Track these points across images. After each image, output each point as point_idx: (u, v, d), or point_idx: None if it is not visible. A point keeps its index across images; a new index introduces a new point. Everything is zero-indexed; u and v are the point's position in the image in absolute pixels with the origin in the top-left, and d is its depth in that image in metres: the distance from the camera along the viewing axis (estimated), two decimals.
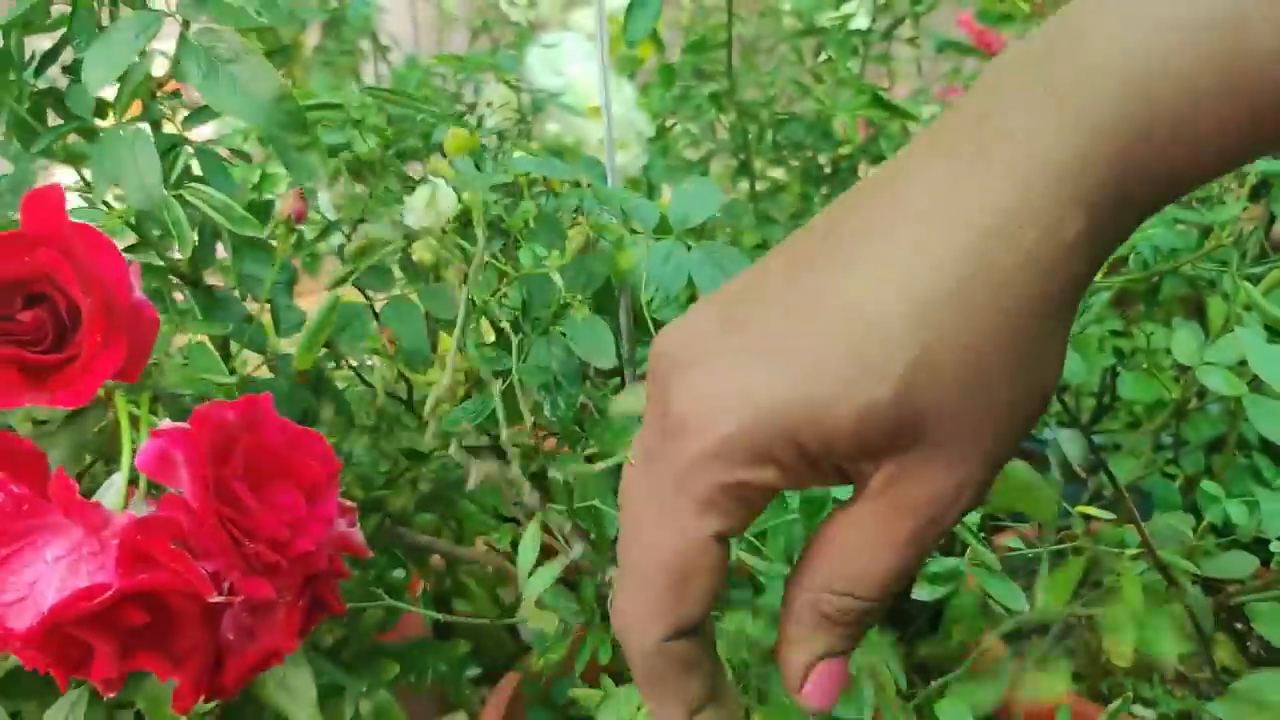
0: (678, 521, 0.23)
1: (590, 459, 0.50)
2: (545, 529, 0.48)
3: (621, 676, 0.52)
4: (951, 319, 0.21)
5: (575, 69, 0.74)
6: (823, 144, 0.78)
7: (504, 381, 0.47)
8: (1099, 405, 0.96)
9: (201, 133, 0.52)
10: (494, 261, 0.49)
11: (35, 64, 0.45)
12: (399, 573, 0.56)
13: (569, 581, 0.54)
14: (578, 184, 0.49)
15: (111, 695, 0.31)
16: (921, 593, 0.53)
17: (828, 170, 0.86)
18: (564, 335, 0.48)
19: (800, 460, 0.23)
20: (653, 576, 0.24)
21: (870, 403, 0.22)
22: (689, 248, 0.47)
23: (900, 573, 0.24)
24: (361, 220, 0.54)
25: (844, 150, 0.83)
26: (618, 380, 0.53)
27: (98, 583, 0.27)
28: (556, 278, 0.45)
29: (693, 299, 0.47)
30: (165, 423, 0.30)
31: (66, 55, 0.47)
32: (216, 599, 0.28)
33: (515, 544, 0.63)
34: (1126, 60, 0.21)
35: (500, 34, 1.09)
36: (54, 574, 0.27)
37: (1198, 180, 0.22)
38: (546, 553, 0.48)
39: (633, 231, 0.48)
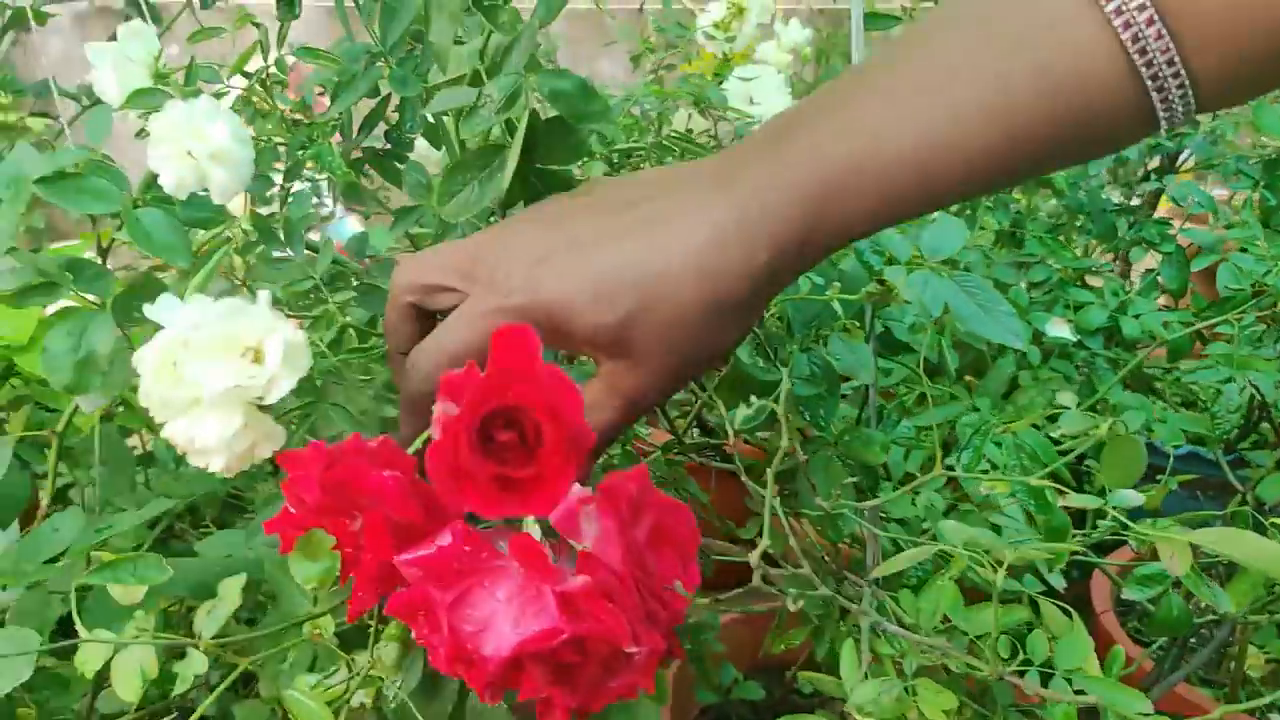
0: (481, 325, 0.36)
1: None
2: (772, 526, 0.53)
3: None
4: (668, 289, 0.34)
5: (771, 100, 0.80)
6: None
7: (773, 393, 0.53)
8: (1245, 423, 0.99)
9: None
10: None
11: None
12: None
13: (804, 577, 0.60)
14: None
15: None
16: (1131, 593, 0.58)
17: (988, 202, 0.90)
18: (826, 352, 0.54)
19: (558, 336, 0.35)
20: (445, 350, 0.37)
21: (600, 324, 0.34)
22: (942, 276, 0.53)
23: (611, 424, 0.37)
24: None
25: None
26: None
27: (553, 626, 0.32)
28: (837, 306, 0.51)
29: (941, 330, 0.53)
30: (576, 488, 0.35)
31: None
32: (631, 649, 0.33)
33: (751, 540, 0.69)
34: (821, 159, 0.34)
35: (661, 59, 1.15)
36: (507, 612, 0.33)
37: (856, 236, 0.35)
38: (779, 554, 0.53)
39: (889, 262, 0.54)
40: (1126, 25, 0.32)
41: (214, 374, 0.42)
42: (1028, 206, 0.96)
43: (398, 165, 0.58)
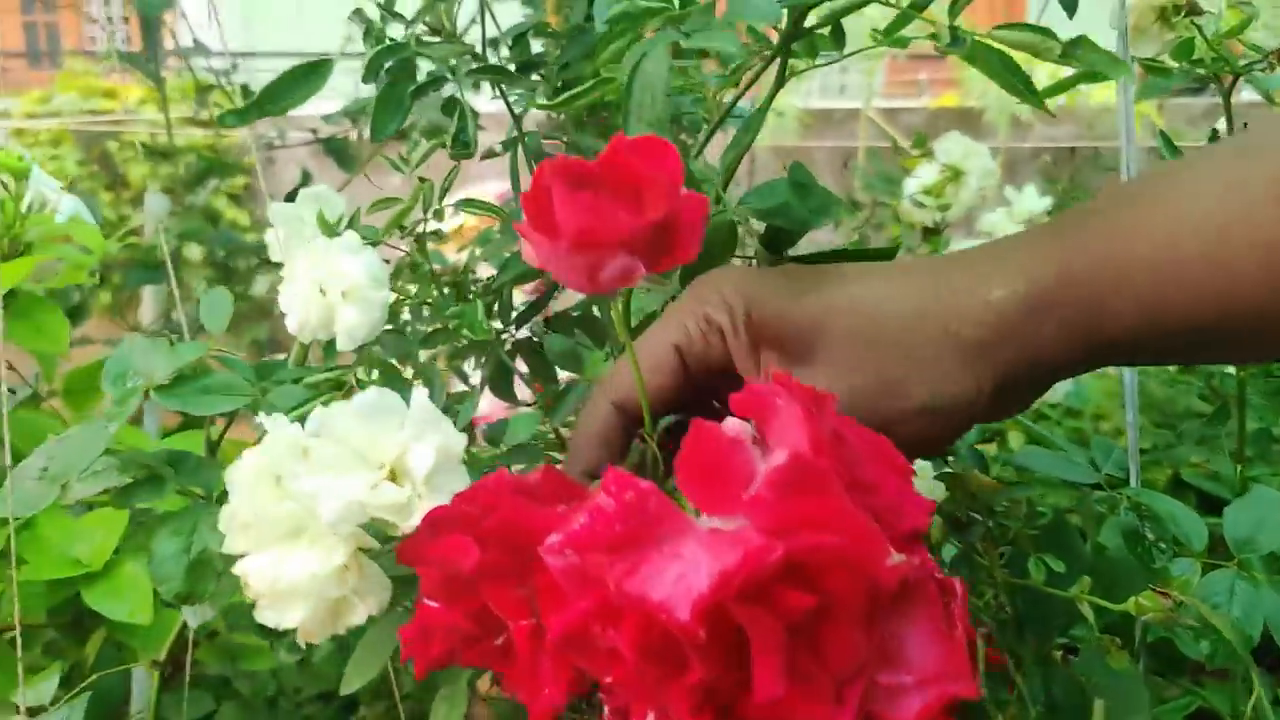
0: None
1: None
2: None
3: None
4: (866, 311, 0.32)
5: None
6: None
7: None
8: None
9: None
10: (980, 560, 0.41)
11: None
12: None
13: None
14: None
15: None
16: None
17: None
18: (1072, 669, 0.38)
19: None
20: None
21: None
22: (1260, 582, 0.37)
23: None
24: None
25: None
26: None
27: (761, 544, 0.21)
28: (1087, 611, 0.36)
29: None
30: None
31: None
32: (896, 560, 0.22)
33: None
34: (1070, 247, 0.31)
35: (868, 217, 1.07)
36: (699, 563, 0.22)
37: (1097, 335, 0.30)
38: None
39: (1176, 551, 0.39)
40: None
41: (336, 490, 0.34)
42: None
43: (548, 361, 0.50)
